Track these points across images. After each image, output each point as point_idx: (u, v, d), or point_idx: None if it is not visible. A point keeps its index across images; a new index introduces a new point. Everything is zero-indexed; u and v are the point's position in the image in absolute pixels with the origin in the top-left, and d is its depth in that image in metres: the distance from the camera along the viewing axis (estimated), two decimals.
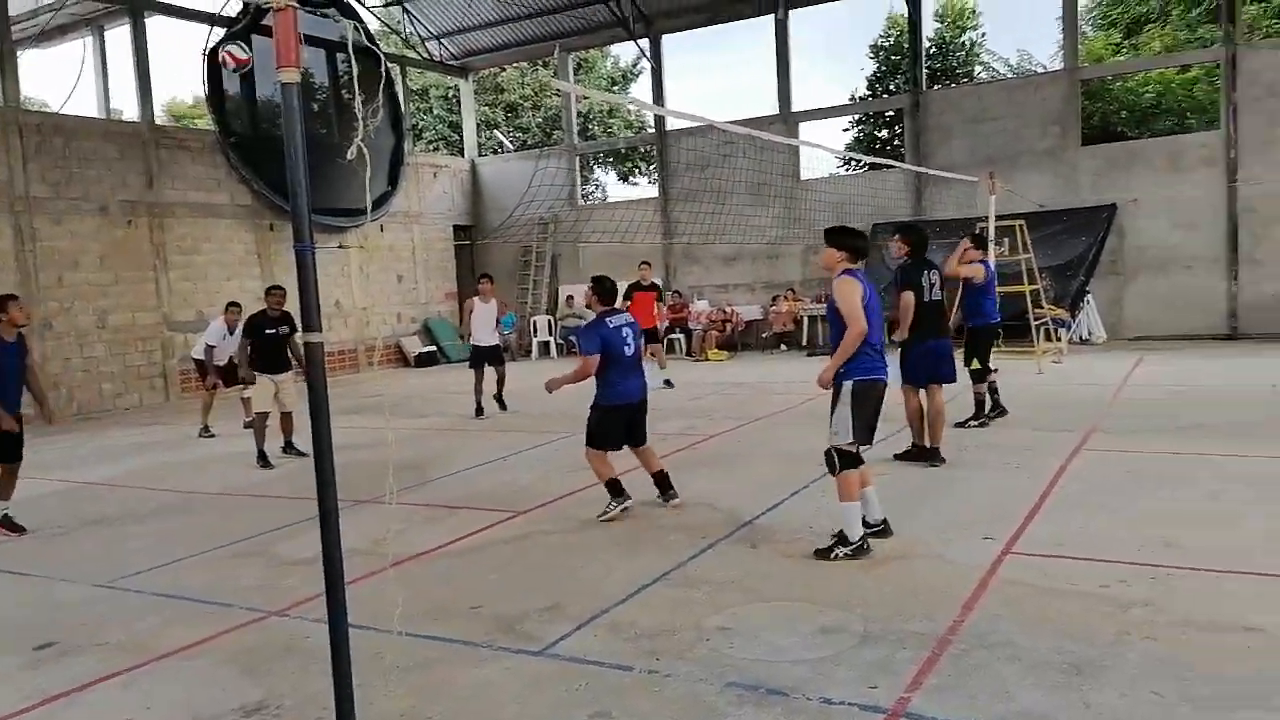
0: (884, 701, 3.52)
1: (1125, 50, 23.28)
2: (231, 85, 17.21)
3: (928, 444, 7.61)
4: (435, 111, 30.43)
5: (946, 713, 3.42)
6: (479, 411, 11.84)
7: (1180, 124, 21.42)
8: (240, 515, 7.26)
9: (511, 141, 29.31)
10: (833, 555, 5.21)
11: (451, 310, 22.41)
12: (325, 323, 17.07)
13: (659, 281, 14.47)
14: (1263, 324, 16.03)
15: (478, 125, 25.25)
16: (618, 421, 6.42)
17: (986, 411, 9.11)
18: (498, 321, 12.60)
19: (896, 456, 7.65)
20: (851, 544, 5.23)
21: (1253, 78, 16.03)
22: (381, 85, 12.26)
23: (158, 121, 17.59)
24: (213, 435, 11.45)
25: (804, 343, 18.70)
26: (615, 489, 6.41)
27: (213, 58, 16.82)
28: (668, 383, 13.33)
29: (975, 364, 8.92)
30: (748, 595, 4.80)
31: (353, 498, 6.38)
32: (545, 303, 22.22)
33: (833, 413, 5.38)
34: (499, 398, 12.12)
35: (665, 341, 19.85)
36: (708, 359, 18.24)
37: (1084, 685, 3.55)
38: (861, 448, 5.41)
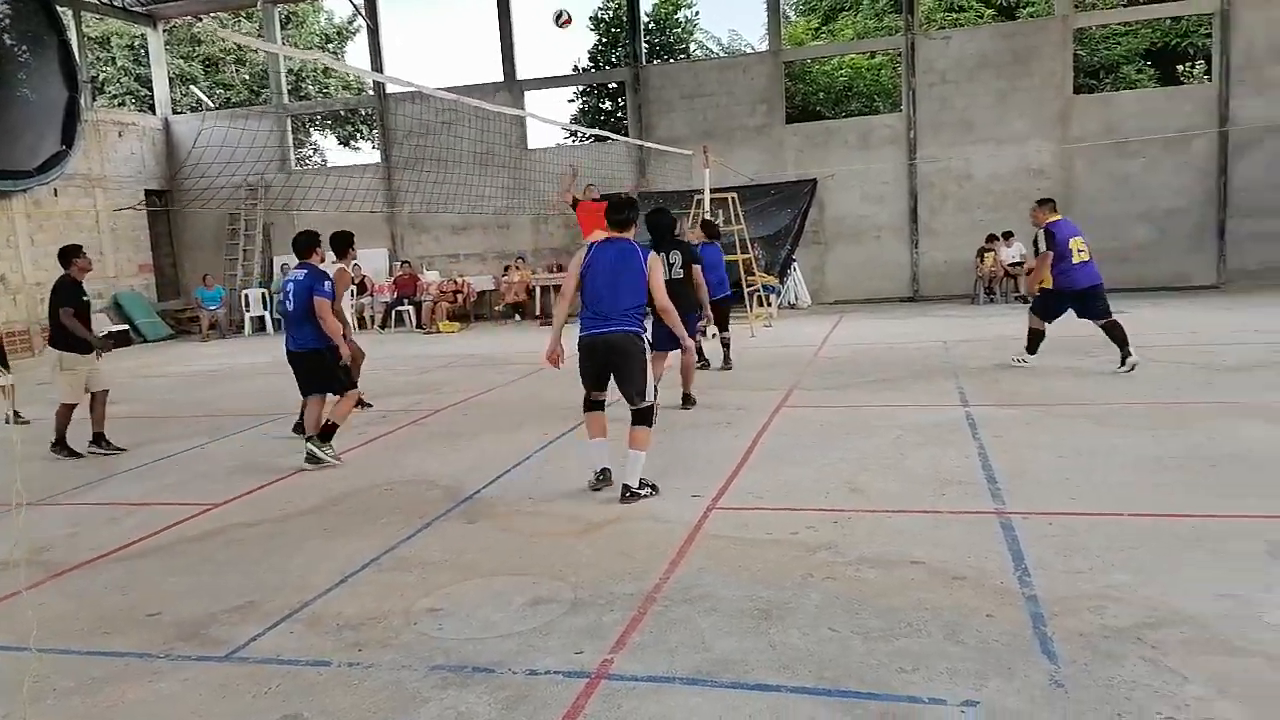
0: (588, 665, 3.55)
1: (823, 35, 25.15)
2: None
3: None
4: (120, 63, 27.24)
5: (648, 669, 3.50)
6: None
7: (870, 106, 23.51)
8: None
9: (213, 99, 26.86)
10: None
11: (146, 284, 20.31)
12: None
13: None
14: (937, 288, 18.08)
15: (172, 80, 22.90)
16: None
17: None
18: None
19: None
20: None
21: (928, 65, 17.86)
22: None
23: None
24: None
25: (538, 313, 18.72)
26: None
27: None
28: None
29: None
30: (461, 573, 4.69)
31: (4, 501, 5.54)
32: (258, 274, 20.70)
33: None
34: None
35: (395, 314, 19.19)
36: (439, 331, 17.79)
37: (771, 629, 3.78)
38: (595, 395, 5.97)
